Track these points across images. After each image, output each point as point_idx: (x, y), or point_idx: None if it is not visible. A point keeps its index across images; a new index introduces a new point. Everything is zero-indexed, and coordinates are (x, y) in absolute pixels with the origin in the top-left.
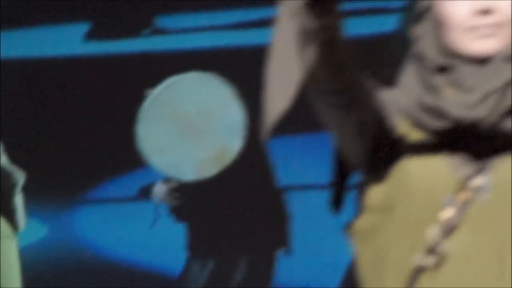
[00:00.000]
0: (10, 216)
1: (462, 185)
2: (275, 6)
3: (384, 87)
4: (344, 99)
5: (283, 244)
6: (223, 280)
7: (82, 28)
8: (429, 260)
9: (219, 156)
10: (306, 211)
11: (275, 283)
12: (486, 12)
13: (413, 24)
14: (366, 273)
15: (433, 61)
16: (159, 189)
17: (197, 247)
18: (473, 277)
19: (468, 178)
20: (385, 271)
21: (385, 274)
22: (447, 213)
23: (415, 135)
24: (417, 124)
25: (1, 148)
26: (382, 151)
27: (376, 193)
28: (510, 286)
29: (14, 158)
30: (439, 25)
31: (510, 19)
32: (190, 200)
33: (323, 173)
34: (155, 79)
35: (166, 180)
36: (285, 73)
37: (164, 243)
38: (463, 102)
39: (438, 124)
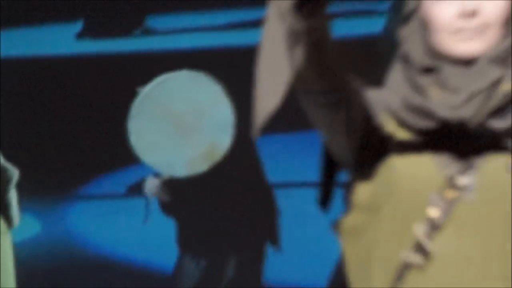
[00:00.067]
0: (4, 212)
1: (449, 184)
2: (264, 7)
3: (372, 87)
4: (332, 98)
5: (272, 241)
6: (214, 276)
7: (75, 27)
8: (416, 258)
9: (209, 153)
10: (295, 209)
11: (265, 280)
12: (471, 14)
13: (400, 26)
14: (353, 270)
15: (419, 62)
16: (151, 184)
17: (188, 243)
18: (458, 276)
19: (455, 177)
20: (372, 268)
21: (372, 271)
22: (433, 211)
23: (401, 134)
24: (404, 124)
25: None
26: (370, 150)
27: (363, 191)
28: (495, 286)
29: (7, 155)
30: (426, 27)
31: (495, 21)
32: (181, 195)
33: (312, 171)
34: (146, 78)
35: (157, 175)
36: (275, 73)
37: (157, 239)
38: (449, 103)
39: (424, 124)
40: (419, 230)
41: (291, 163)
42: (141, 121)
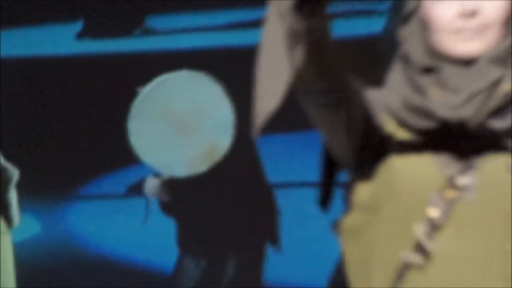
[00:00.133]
0: (5, 212)
1: (449, 184)
2: (264, 7)
3: (372, 87)
4: (332, 98)
5: (272, 241)
6: (214, 276)
7: (74, 27)
8: (416, 258)
9: (209, 153)
10: (295, 209)
11: (265, 280)
12: (471, 14)
13: (400, 26)
14: (353, 270)
15: (419, 62)
16: (151, 184)
17: (188, 243)
18: (458, 276)
19: (455, 177)
20: (372, 268)
21: (372, 271)
22: (433, 211)
23: (401, 134)
24: (404, 124)
25: None
26: (370, 150)
27: (363, 191)
28: (495, 286)
29: (7, 155)
30: (426, 27)
31: (495, 21)
32: (181, 195)
33: (312, 171)
34: (146, 78)
35: (157, 175)
36: (275, 73)
37: (157, 239)
38: (449, 103)
39: (424, 124)
40: (419, 230)
41: (291, 163)
42: (141, 121)
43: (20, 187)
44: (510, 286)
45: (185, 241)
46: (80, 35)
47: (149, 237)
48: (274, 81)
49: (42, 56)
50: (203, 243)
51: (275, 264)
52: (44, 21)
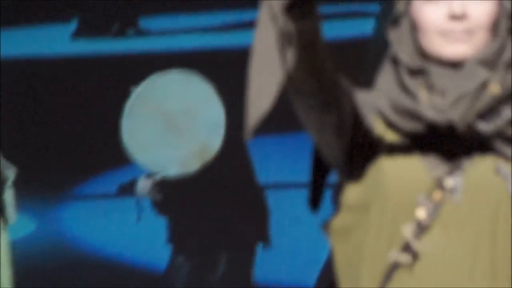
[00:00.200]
0: (1, 211)
1: (437, 185)
2: (256, 9)
3: (362, 88)
4: (322, 100)
5: (263, 240)
6: (206, 275)
7: (68, 28)
8: (404, 257)
9: (201, 153)
10: (286, 210)
11: (255, 279)
12: (459, 17)
13: (390, 28)
14: (342, 270)
15: (408, 64)
16: (143, 185)
17: (180, 243)
18: (445, 276)
19: (442, 178)
20: (361, 268)
21: (361, 271)
22: (421, 212)
23: (390, 136)
24: (392, 126)
25: None
26: (359, 151)
27: (352, 192)
28: (482, 286)
29: (2, 154)
30: (415, 29)
31: (483, 25)
32: (173, 195)
33: (303, 172)
34: (139, 78)
35: (149, 175)
36: (267, 74)
37: (151, 238)
38: (437, 105)
39: (413, 126)
40: (407, 231)
41: (282, 164)
42: (133, 120)
43: (15, 186)
44: (496, 287)
45: (177, 240)
46: (75, 36)
47: (142, 236)
48: (266, 82)
49: (36, 56)
50: (195, 243)
51: (266, 263)
52: (38, 21)
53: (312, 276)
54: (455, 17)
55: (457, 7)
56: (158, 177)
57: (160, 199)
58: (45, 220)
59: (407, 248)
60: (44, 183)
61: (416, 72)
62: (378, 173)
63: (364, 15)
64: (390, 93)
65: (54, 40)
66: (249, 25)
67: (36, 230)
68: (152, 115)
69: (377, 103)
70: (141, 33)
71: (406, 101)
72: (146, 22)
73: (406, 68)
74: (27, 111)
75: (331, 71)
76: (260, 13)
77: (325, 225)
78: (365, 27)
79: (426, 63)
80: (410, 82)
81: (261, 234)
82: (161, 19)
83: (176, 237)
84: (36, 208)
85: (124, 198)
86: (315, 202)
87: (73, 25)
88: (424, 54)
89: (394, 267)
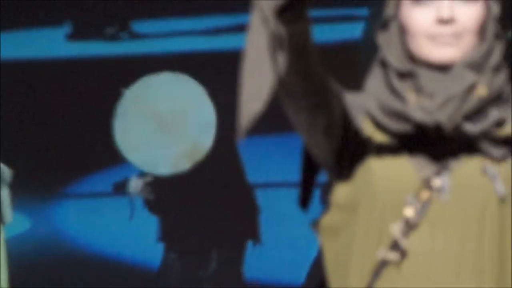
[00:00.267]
0: None
1: (424, 185)
2: (247, 13)
3: (351, 91)
4: (312, 102)
5: (253, 237)
6: (198, 273)
7: (63, 31)
8: (392, 255)
9: (192, 152)
10: (277, 209)
11: (246, 276)
12: (447, 21)
13: (379, 31)
14: (332, 268)
15: (397, 66)
16: (135, 184)
17: (172, 241)
18: (433, 275)
19: (430, 178)
20: (350, 265)
21: (350, 269)
22: (409, 211)
23: (379, 137)
24: (381, 127)
25: None
26: (348, 151)
27: (342, 191)
28: (468, 285)
29: None
30: (403, 33)
31: (470, 28)
32: (164, 194)
33: (293, 171)
34: (132, 80)
35: (141, 174)
36: (259, 77)
37: (144, 237)
38: (425, 107)
39: (401, 127)
40: (395, 229)
41: (273, 164)
42: (126, 121)
43: (11, 185)
44: (483, 287)
45: (169, 238)
46: (69, 38)
47: (135, 234)
48: (258, 84)
49: (31, 58)
50: (187, 241)
51: (256, 261)
52: (33, 24)
53: (302, 273)
54: (443, 21)
55: (445, 11)
56: (149, 176)
57: (152, 198)
58: (39, 219)
59: (395, 246)
60: (38, 182)
61: (404, 75)
62: (367, 173)
63: (353, 19)
64: (379, 95)
65: (49, 43)
66: (240, 28)
67: (30, 228)
68: (144, 115)
69: (366, 105)
70: (134, 36)
71: (394, 103)
72: (139, 26)
73: (395, 71)
74: (22, 112)
75: (321, 74)
76: (252, 16)
77: (314, 224)
78: (354, 31)
79: (414, 66)
80: (398, 84)
81: (252, 232)
82: (153, 22)
83: (168, 235)
84: (30, 207)
85: (117, 197)
86: (305, 201)
87: (68, 28)
88: (412, 57)
89: (382, 265)
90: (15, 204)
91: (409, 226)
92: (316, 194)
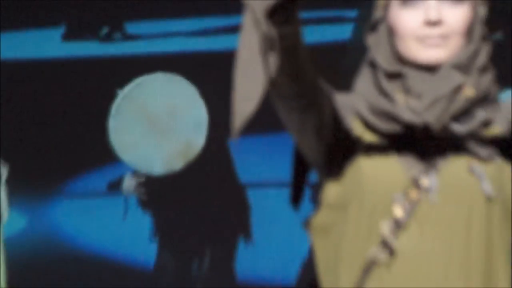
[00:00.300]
0: None
1: (413, 184)
2: (238, 14)
3: (341, 91)
4: (303, 102)
5: (245, 236)
6: (192, 271)
7: (58, 32)
8: (381, 254)
9: (185, 152)
10: (268, 208)
11: (238, 274)
12: (435, 23)
13: (368, 33)
14: (323, 267)
15: (385, 67)
16: (128, 182)
17: (166, 239)
18: (421, 274)
19: (418, 177)
20: (340, 264)
21: (340, 267)
22: (398, 211)
23: (369, 137)
24: (371, 127)
25: None
26: (338, 151)
27: (332, 191)
28: (456, 286)
29: None
30: (392, 34)
31: (458, 30)
32: (158, 193)
33: (285, 171)
34: (126, 80)
35: (135, 173)
36: (251, 78)
37: (140, 236)
38: (413, 107)
39: (390, 127)
40: (385, 228)
41: (265, 164)
42: (120, 120)
43: (6, 183)
44: (470, 286)
45: (162, 237)
46: (64, 39)
47: (131, 233)
48: (250, 85)
49: (27, 58)
50: (180, 239)
51: (248, 260)
52: (29, 25)
53: (293, 272)
54: (431, 23)
55: (433, 13)
56: (143, 175)
57: (145, 197)
58: (35, 217)
59: (384, 245)
60: (33, 181)
61: (393, 76)
62: (356, 173)
63: (342, 20)
64: (368, 95)
65: (44, 43)
66: (232, 29)
67: (25, 227)
68: (137, 115)
69: (356, 105)
70: (127, 37)
71: (383, 104)
72: (133, 27)
73: (384, 72)
74: (18, 111)
75: (311, 75)
76: (244, 18)
77: (306, 223)
78: (343, 32)
79: (403, 67)
80: (387, 85)
81: (243, 232)
82: (146, 24)
83: (161, 234)
84: (25, 205)
85: (113, 196)
86: (296, 200)
87: (62, 30)
88: (401, 59)
89: (371, 264)
90: (10, 202)
91: (398, 225)
92: (307, 193)
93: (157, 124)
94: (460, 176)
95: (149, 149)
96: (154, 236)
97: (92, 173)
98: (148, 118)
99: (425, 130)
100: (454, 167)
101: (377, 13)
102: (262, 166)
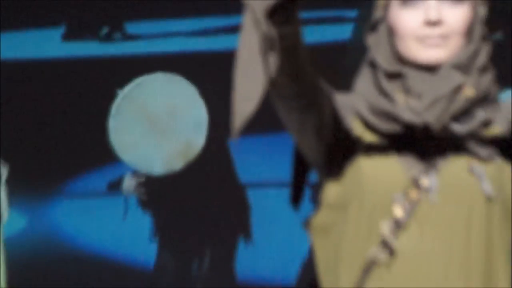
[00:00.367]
0: None
1: (413, 184)
2: (238, 14)
3: (341, 91)
4: (303, 102)
5: (245, 236)
6: (192, 271)
7: (59, 32)
8: (381, 254)
9: (185, 152)
10: (269, 208)
11: (238, 274)
12: (435, 23)
13: (368, 33)
14: (323, 267)
15: (385, 68)
16: (128, 182)
17: (165, 239)
18: (421, 274)
19: (419, 177)
20: (340, 264)
21: (340, 267)
22: (398, 211)
23: (369, 137)
24: (371, 127)
25: None
26: (338, 151)
27: (332, 190)
28: (456, 286)
29: None
30: (392, 34)
31: (458, 30)
32: (157, 193)
33: (284, 170)
34: (126, 80)
35: (135, 173)
36: (251, 78)
37: (140, 235)
38: (413, 107)
39: (390, 127)
40: (385, 228)
41: (265, 164)
42: (120, 120)
43: (6, 183)
44: (470, 286)
45: (162, 237)
46: (64, 39)
47: (131, 233)
48: (250, 85)
49: (27, 58)
50: (180, 239)
51: (248, 259)
52: (29, 25)
53: (293, 272)
54: (431, 23)
55: (433, 13)
56: (143, 175)
57: (145, 197)
58: (35, 217)
59: (384, 245)
60: (33, 181)
61: (393, 76)
62: (357, 173)
63: (342, 20)
64: (368, 95)
65: (44, 43)
66: (232, 29)
67: (25, 227)
68: (137, 115)
69: (356, 105)
70: (127, 37)
71: (383, 104)
72: (133, 27)
73: (384, 72)
74: (18, 111)
75: (311, 75)
76: (244, 18)
77: (306, 223)
78: (343, 32)
79: (403, 67)
80: (387, 85)
81: (243, 231)
82: (146, 24)
83: (161, 233)
84: (25, 205)
85: (113, 196)
86: (296, 200)
87: (62, 29)
88: (401, 59)
89: (372, 264)
90: (10, 202)
91: (398, 225)
92: (307, 193)
93: (157, 124)
94: (460, 176)
95: (149, 149)
96: (154, 236)
97: (92, 173)
98: (148, 118)
99: (425, 130)
100: (454, 167)
101: (377, 13)
102: (262, 166)
